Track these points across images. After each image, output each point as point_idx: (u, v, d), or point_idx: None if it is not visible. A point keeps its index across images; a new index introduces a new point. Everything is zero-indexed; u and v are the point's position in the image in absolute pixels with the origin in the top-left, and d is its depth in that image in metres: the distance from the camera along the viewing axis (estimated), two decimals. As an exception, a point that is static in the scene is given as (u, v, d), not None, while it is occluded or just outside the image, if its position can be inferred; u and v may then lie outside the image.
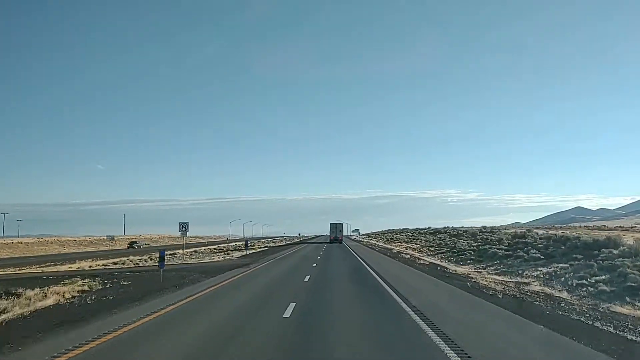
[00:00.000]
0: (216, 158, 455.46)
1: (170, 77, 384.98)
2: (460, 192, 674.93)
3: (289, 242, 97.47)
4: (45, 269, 33.50)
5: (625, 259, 18.86)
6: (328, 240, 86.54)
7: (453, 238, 53.08)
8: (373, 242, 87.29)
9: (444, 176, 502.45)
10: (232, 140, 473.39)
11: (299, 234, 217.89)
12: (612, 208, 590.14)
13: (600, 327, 9.97)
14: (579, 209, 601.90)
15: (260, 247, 63.98)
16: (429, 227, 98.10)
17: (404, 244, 66.08)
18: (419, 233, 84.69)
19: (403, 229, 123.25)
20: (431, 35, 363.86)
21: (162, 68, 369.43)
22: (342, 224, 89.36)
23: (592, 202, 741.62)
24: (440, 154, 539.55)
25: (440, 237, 59.67)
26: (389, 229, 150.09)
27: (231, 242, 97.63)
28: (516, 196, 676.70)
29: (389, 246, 64.72)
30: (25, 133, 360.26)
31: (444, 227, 78.33)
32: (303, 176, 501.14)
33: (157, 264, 21.89)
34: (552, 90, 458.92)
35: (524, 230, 44.05)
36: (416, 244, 60.65)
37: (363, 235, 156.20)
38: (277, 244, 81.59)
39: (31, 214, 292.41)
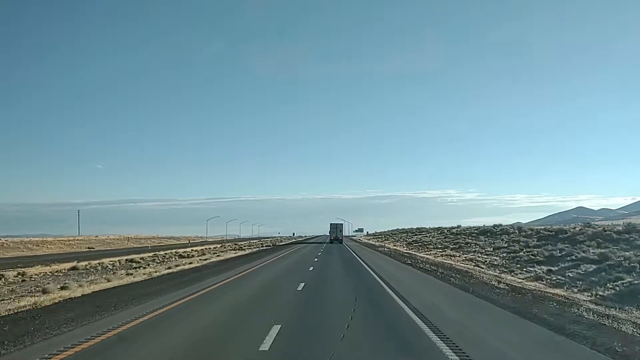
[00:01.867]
0: (216, 158, 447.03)
1: (170, 77, 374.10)
2: (460, 192, 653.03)
3: (275, 244, 70.98)
4: None
5: None
6: (328, 240, 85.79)
7: (563, 247, 24.82)
8: (390, 246, 58.82)
9: (443, 176, 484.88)
10: (231, 140, 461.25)
11: (293, 234, 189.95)
12: (614, 208, 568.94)
13: None
14: (581, 209, 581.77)
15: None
16: (458, 226, 70.16)
17: (450, 252, 37.67)
18: (455, 234, 56.29)
19: (419, 228, 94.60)
20: (432, 35, 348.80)
21: (162, 68, 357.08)
22: (342, 224, 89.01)
23: (592, 202, 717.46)
24: (440, 154, 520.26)
25: (511, 240, 31.85)
26: (397, 229, 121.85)
27: (189, 247, 69.08)
28: (516, 196, 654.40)
29: (430, 257, 35.87)
30: (24, 133, 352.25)
31: (495, 226, 50.28)
32: (303, 176, 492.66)
33: None
34: (552, 90, 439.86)
35: None
36: (484, 255, 32.25)
37: (369, 236, 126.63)
38: (244, 251, 52.82)
39: (30, 214, 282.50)
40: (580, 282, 17.96)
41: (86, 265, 31.65)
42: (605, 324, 9.90)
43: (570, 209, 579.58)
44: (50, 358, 7.27)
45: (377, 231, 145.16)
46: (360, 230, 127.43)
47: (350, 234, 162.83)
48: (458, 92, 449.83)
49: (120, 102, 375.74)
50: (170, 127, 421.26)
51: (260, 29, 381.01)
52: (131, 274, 21.81)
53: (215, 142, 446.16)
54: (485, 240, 39.93)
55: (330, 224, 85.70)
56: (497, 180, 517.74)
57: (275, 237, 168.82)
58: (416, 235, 73.50)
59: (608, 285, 16.52)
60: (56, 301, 13.16)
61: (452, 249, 40.15)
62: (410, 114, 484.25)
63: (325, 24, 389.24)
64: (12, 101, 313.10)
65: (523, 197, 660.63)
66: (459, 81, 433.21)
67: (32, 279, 22.56)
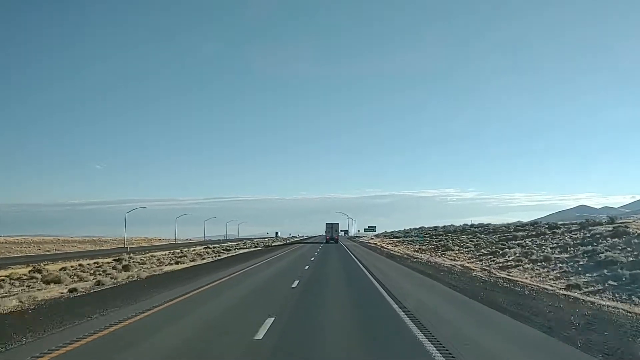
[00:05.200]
0: (215, 158, 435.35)
1: (170, 77, 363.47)
2: (459, 191, 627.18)
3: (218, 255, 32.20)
4: None
5: None
6: (324, 241, 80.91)
7: None
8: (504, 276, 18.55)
9: (443, 175, 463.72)
10: (231, 140, 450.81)
11: (277, 234, 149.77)
12: (615, 207, 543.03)
13: None
14: (583, 208, 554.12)
15: None
16: (547, 224, 31.87)
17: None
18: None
19: (465, 225, 55.19)
20: (431, 35, 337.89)
21: (162, 68, 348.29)
22: (337, 223, 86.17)
23: (592, 201, 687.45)
24: (440, 153, 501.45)
25: None
26: (423, 227, 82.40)
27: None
28: (515, 195, 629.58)
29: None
30: (23, 133, 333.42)
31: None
32: (302, 176, 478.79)
33: None
34: (552, 89, 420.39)
35: None
36: None
37: (386, 237, 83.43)
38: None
39: (29, 214, 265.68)
40: None
41: None
42: None
43: (571, 207, 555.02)
44: None
45: (387, 230, 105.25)
46: (372, 228, 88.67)
47: (355, 234, 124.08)
48: (457, 92, 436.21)
49: (119, 102, 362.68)
50: (170, 127, 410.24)
51: (260, 29, 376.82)
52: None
53: (215, 142, 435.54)
54: None
55: (326, 223, 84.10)
56: (496, 179, 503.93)
57: (256, 238, 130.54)
58: (473, 237, 33.97)
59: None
60: None
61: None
62: (410, 113, 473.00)
63: (325, 24, 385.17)
64: (12, 101, 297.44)
65: (522, 196, 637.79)
66: (459, 81, 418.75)
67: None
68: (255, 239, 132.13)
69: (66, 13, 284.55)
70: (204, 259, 32.74)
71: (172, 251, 46.65)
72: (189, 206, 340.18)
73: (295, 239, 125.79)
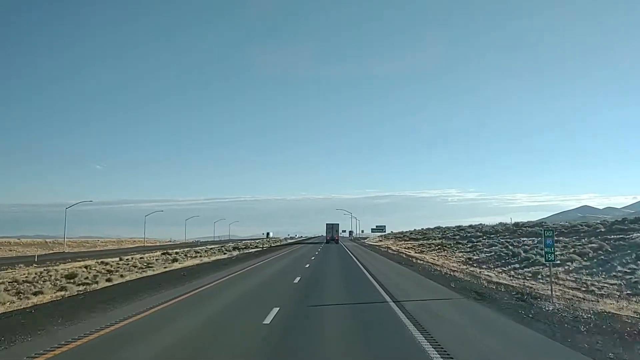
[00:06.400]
0: (215, 158, 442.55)
1: (170, 77, 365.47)
2: (460, 191, 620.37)
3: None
4: None
5: None
6: (324, 241, 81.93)
7: None
8: None
9: (444, 175, 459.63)
10: (231, 140, 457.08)
11: (268, 234, 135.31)
12: (618, 207, 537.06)
13: None
14: (585, 208, 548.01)
15: None
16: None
17: None
18: None
19: (507, 227, 40.68)
20: (431, 34, 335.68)
21: (161, 68, 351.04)
22: (337, 224, 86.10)
23: (593, 202, 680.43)
24: (440, 153, 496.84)
25: None
26: (439, 226, 68.56)
27: None
28: (517, 195, 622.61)
29: None
30: (23, 133, 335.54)
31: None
32: (303, 176, 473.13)
33: None
34: (552, 89, 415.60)
35: None
36: None
37: (390, 237, 66.35)
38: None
39: (29, 214, 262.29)
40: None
41: None
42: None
43: (573, 208, 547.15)
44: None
45: (394, 230, 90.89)
46: (380, 228, 76.01)
47: (359, 234, 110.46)
48: (458, 91, 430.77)
49: (119, 102, 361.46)
50: (170, 127, 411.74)
51: (261, 29, 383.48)
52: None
53: (215, 142, 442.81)
54: None
55: (326, 224, 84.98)
56: (497, 180, 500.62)
57: (245, 239, 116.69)
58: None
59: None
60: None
61: None
62: (410, 113, 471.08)
63: (325, 24, 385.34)
64: (12, 101, 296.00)
65: (523, 197, 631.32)
66: (459, 80, 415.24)
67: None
68: (244, 240, 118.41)
69: (66, 13, 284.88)
70: (79, 285, 17.97)
71: (99, 261, 32.02)
72: (189, 207, 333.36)
73: (291, 240, 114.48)
